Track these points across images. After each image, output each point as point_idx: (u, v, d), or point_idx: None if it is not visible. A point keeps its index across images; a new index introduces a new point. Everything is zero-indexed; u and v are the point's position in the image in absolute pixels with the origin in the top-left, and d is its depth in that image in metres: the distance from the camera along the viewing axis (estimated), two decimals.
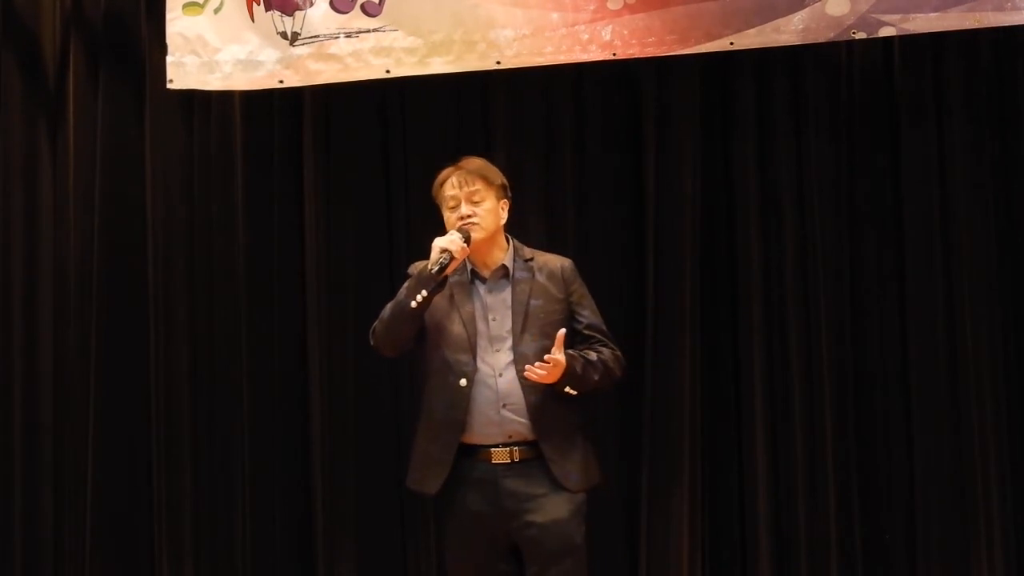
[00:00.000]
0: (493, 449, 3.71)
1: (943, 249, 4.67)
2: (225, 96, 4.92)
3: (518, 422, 3.71)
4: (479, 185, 3.83)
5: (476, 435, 3.72)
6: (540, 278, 3.84)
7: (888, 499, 4.70)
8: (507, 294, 3.81)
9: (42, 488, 4.99)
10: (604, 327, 3.91)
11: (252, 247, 4.96)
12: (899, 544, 4.68)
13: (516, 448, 3.71)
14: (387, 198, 4.94)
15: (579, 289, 3.90)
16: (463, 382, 3.71)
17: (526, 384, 3.69)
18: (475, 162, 3.91)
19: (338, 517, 4.86)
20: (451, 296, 3.79)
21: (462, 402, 3.71)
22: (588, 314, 3.88)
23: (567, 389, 3.73)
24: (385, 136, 4.95)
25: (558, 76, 4.79)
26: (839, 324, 4.72)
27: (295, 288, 4.94)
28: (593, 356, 3.80)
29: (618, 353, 3.89)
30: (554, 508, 3.70)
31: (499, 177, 3.90)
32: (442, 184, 3.89)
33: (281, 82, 4.71)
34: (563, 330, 3.70)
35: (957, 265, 4.66)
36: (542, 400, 3.71)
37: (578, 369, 3.72)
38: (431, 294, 3.69)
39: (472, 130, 4.91)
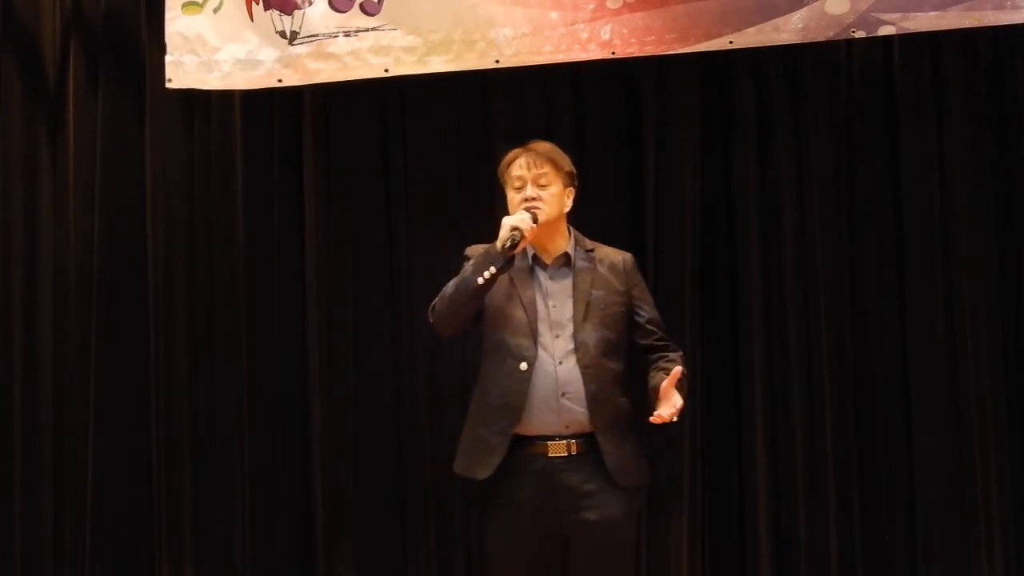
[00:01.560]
0: (550, 442, 3.64)
1: (943, 249, 4.67)
2: (225, 96, 4.92)
3: (577, 411, 3.64)
4: (547, 168, 3.77)
5: (533, 424, 3.65)
6: (602, 269, 3.80)
7: (888, 499, 4.69)
8: (568, 282, 3.76)
9: (42, 488, 5.00)
10: (662, 322, 3.88)
11: (252, 247, 4.96)
12: (899, 544, 4.68)
13: (573, 441, 3.64)
14: (387, 198, 4.94)
15: (640, 283, 3.88)
16: (523, 366, 3.65)
17: (586, 373, 3.65)
18: (545, 145, 3.84)
19: (338, 517, 4.86)
20: (511, 280, 3.73)
21: (521, 387, 3.65)
22: (648, 308, 3.85)
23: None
24: (385, 136, 4.95)
25: (557, 75, 4.79)
26: (839, 324, 4.72)
27: (295, 288, 4.95)
28: (671, 357, 3.78)
29: (680, 351, 3.87)
30: (609, 505, 3.64)
31: (568, 164, 3.84)
32: (510, 164, 3.82)
33: (280, 81, 4.71)
34: (679, 368, 3.63)
35: (957, 265, 4.65)
36: (601, 391, 3.65)
37: (685, 392, 3.67)
38: (499, 271, 3.62)
39: (472, 129, 4.91)
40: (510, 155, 3.84)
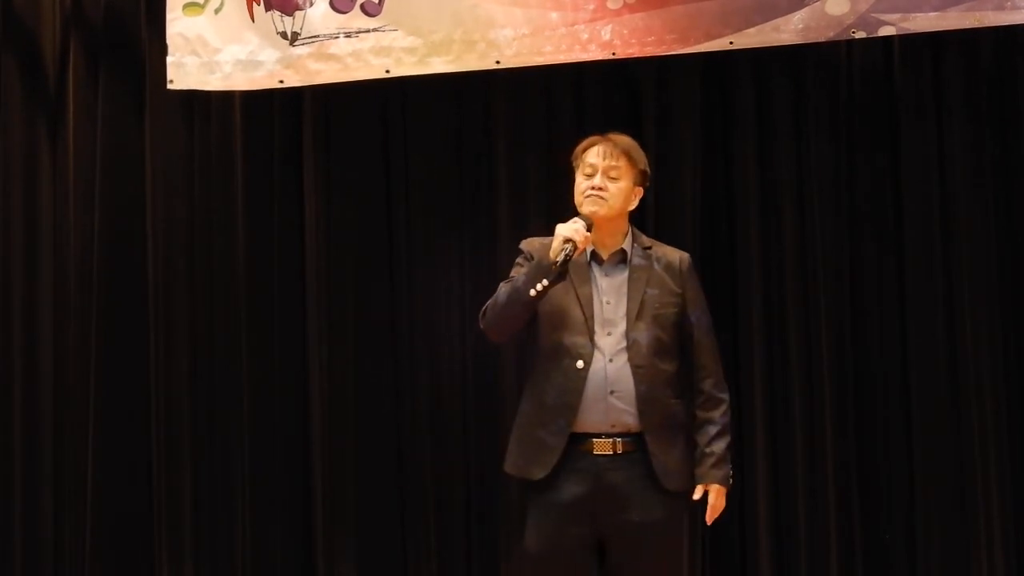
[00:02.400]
0: (595, 439, 3.58)
1: (943, 249, 4.67)
2: (225, 96, 4.92)
3: (625, 411, 3.58)
4: (622, 162, 3.68)
5: (582, 422, 3.59)
6: (658, 268, 3.72)
7: (888, 499, 4.69)
8: (623, 279, 3.69)
9: (42, 488, 5.00)
10: (713, 333, 3.78)
11: (252, 247, 4.97)
12: (899, 544, 4.68)
13: (619, 440, 3.57)
14: (387, 198, 4.94)
15: (694, 286, 3.78)
16: (580, 364, 3.58)
17: (637, 372, 3.58)
18: (625, 139, 3.76)
19: (338, 517, 4.87)
20: (569, 276, 3.64)
21: (578, 386, 3.58)
22: (700, 314, 3.74)
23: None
24: (385, 136, 4.95)
25: (558, 76, 4.79)
26: (839, 324, 4.72)
27: (295, 288, 4.95)
28: (713, 430, 3.67)
29: (724, 396, 3.73)
30: (651, 507, 3.58)
31: (643, 162, 3.74)
32: (586, 149, 3.74)
33: (281, 82, 4.71)
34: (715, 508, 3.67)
35: (957, 265, 4.65)
36: (651, 391, 3.58)
37: (729, 470, 3.68)
38: (551, 283, 3.55)
39: (472, 130, 4.92)
40: (588, 141, 3.76)
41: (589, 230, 3.60)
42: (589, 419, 3.59)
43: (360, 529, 4.87)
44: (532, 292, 3.55)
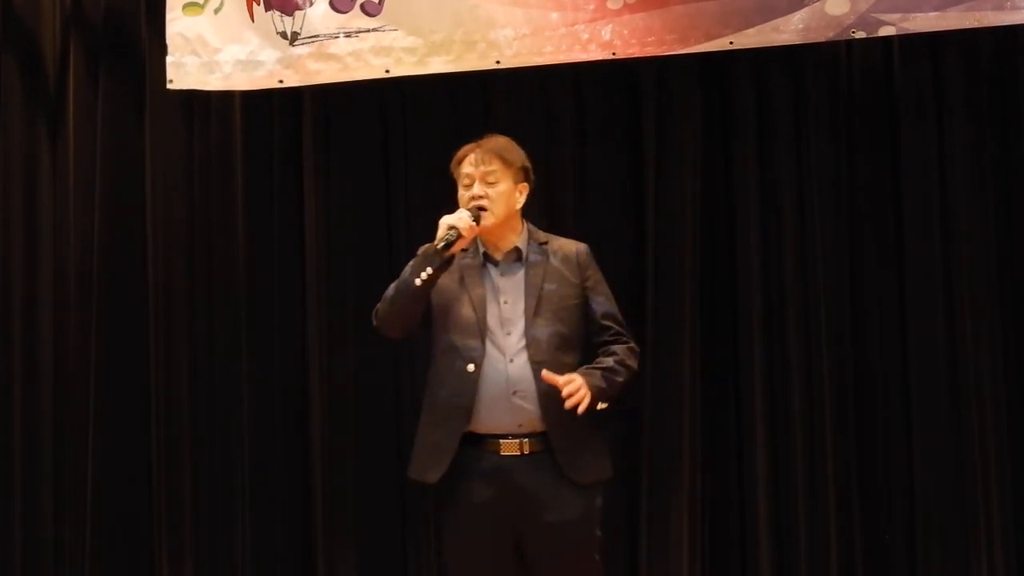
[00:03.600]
0: (502, 440, 3.56)
1: (943, 249, 4.67)
2: (225, 96, 4.92)
3: (529, 410, 3.56)
4: (496, 166, 3.68)
5: (484, 424, 3.57)
6: (554, 262, 3.71)
7: (888, 499, 4.69)
8: (520, 277, 3.68)
9: (42, 488, 5.00)
10: (619, 315, 3.77)
11: (252, 247, 4.96)
12: (899, 544, 4.68)
13: (526, 440, 3.56)
14: (387, 198, 4.94)
15: (594, 275, 3.76)
16: (471, 367, 3.57)
17: (537, 370, 3.54)
18: (497, 141, 3.76)
19: (338, 517, 4.86)
20: (461, 278, 3.66)
21: (469, 388, 3.56)
22: (603, 300, 3.74)
23: (600, 405, 3.57)
24: (385, 136, 4.95)
25: (558, 76, 4.79)
26: (839, 324, 4.72)
27: (295, 288, 4.95)
28: (609, 361, 3.65)
29: (632, 345, 3.74)
30: (565, 506, 3.56)
31: (520, 159, 3.75)
32: (460, 161, 3.74)
33: (281, 82, 4.71)
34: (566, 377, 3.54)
35: (957, 265, 4.65)
36: (553, 388, 3.53)
37: (602, 384, 3.56)
38: (437, 271, 3.56)
39: (472, 130, 4.83)
40: (461, 151, 3.76)
41: (476, 222, 3.60)
42: (492, 421, 3.57)
43: (360, 529, 4.87)
44: (418, 281, 3.55)
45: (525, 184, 3.75)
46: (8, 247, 5.03)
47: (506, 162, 3.70)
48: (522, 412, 3.56)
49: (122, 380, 4.97)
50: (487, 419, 3.57)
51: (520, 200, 3.74)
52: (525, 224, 3.78)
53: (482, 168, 3.68)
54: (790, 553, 4.70)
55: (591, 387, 3.51)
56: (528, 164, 3.77)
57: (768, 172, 4.78)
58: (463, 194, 3.70)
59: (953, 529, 4.62)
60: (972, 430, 4.60)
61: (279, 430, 4.92)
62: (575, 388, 3.49)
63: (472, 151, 3.72)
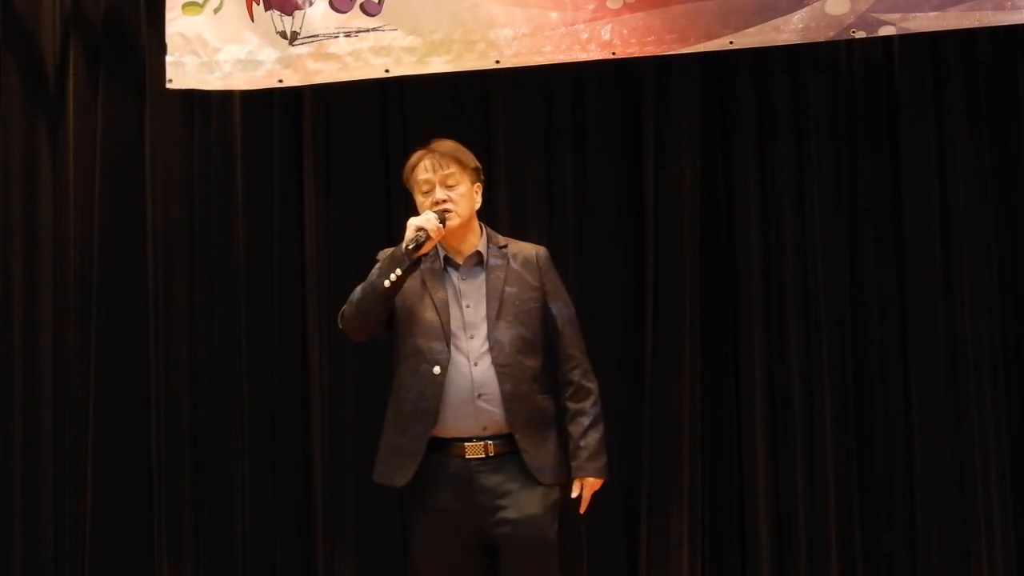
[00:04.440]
0: (467, 443, 3.63)
1: (943, 248, 4.66)
2: (225, 96, 4.92)
3: (493, 412, 3.62)
4: (453, 168, 3.74)
5: (449, 427, 3.63)
6: (515, 265, 3.76)
7: (888, 499, 4.69)
8: (481, 281, 3.73)
9: (42, 488, 4.99)
10: (577, 322, 3.83)
11: (252, 247, 4.96)
12: (899, 544, 4.68)
13: (491, 442, 3.63)
14: (387, 198, 4.93)
15: (553, 279, 3.83)
16: (436, 370, 3.63)
17: (501, 373, 3.62)
18: (448, 144, 3.81)
19: (338, 517, 4.86)
20: (423, 282, 3.71)
21: (435, 391, 3.62)
22: (562, 306, 3.80)
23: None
24: (385, 136, 4.95)
25: (558, 75, 4.78)
26: (839, 324, 4.71)
27: (295, 288, 4.94)
28: (586, 421, 3.73)
29: (592, 387, 3.79)
30: (528, 503, 3.63)
31: (472, 160, 3.82)
32: (414, 168, 3.79)
33: (280, 81, 4.71)
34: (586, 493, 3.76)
35: (957, 264, 4.65)
36: (516, 390, 3.63)
37: (601, 460, 3.75)
38: (405, 273, 3.61)
39: (472, 130, 4.90)
40: (413, 158, 3.80)
41: (443, 223, 3.65)
42: (457, 424, 3.63)
43: (360, 529, 4.87)
44: (386, 283, 3.60)
45: (479, 184, 3.83)
46: (8, 246, 5.02)
47: (462, 164, 3.77)
48: (486, 415, 3.63)
49: (122, 379, 4.97)
50: (452, 422, 3.64)
51: (478, 200, 3.82)
52: (484, 228, 3.84)
53: (441, 172, 3.74)
54: (790, 553, 4.69)
55: (597, 472, 3.74)
56: (479, 164, 3.85)
57: (768, 172, 4.78)
58: (423, 201, 3.76)
59: (953, 529, 4.61)
60: (972, 430, 4.60)
61: (279, 430, 4.92)
62: (590, 494, 3.74)
63: (424, 157, 3.78)
